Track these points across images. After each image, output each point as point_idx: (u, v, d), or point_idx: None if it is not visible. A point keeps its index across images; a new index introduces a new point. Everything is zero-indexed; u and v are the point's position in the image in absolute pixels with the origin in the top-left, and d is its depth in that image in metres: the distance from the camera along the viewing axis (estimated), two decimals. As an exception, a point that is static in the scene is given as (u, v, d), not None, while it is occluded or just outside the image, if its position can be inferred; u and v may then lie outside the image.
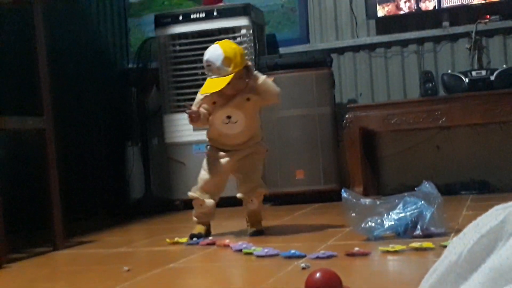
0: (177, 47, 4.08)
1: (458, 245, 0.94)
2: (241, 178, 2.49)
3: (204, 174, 2.49)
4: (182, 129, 4.02)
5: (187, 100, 4.04)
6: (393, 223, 2.08)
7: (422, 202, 2.11)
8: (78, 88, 3.98)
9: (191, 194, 2.49)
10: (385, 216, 2.09)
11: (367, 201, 2.12)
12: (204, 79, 3.97)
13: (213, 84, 2.34)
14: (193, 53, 4.02)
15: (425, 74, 3.78)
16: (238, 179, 2.54)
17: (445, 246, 1.87)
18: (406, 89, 4.03)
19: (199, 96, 2.49)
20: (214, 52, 2.34)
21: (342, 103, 4.10)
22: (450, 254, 0.95)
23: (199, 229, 2.46)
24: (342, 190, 2.13)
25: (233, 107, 2.40)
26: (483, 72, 3.57)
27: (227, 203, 3.14)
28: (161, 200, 4.21)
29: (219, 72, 2.33)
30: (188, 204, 4.02)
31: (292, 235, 2.43)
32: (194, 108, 2.42)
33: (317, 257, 1.87)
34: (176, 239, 2.45)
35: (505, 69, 3.60)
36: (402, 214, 2.08)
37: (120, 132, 4.40)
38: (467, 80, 3.57)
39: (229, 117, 2.41)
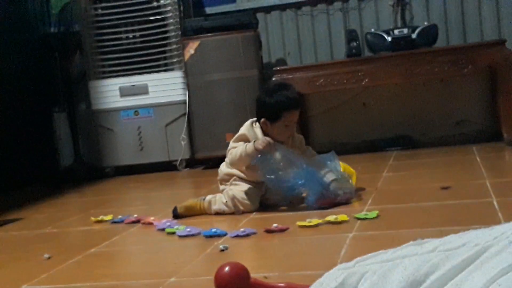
0: (99, 11, 3.97)
1: None
2: None
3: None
4: (109, 95, 3.96)
5: (112, 65, 3.98)
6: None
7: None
8: (-3, 55, 3.84)
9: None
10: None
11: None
12: (129, 43, 3.95)
13: None
14: (115, 16, 3.93)
15: (349, 33, 3.82)
16: None
17: (359, 218, 1.95)
18: (333, 48, 4.07)
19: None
20: None
21: (270, 63, 4.11)
22: None
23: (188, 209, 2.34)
24: None
25: None
26: (405, 31, 3.63)
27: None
28: (91, 167, 4.18)
29: None
30: (118, 171, 4.03)
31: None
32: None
33: (237, 235, 1.91)
34: (101, 217, 2.45)
35: (426, 26, 3.67)
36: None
37: (46, 99, 4.30)
38: (389, 38, 3.62)
39: None
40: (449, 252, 0.86)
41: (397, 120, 3.92)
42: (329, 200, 2.19)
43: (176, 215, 2.30)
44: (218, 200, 2.33)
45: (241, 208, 2.28)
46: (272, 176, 2.19)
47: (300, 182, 2.18)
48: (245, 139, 2.32)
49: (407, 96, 3.92)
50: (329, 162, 2.31)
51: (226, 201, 2.31)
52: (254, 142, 2.24)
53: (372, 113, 3.97)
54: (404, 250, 0.95)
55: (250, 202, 2.28)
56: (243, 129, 2.35)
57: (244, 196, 2.28)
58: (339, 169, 2.30)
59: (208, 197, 2.36)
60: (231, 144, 2.36)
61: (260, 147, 2.20)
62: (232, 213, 2.28)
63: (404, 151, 3.66)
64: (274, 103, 2.28)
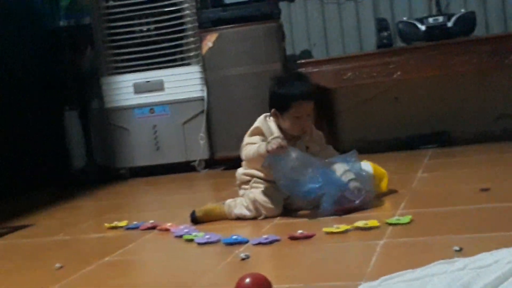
0: (111, 2, 4.01)
1: None
2: None
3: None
4: (122, 92, 4.01)
5: (125, 60, 4.02)
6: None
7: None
8: (4, 50, 3.90)
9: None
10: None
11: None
12: (143, 37, 3.99)
13: None
14: (128, 8, 3.97)
15: (379, 22, 3.80)
16: None
17: (390, 224, 1.95)
18: (361, 39, 4.06)
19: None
20: None
21: (294, 56, 4.12)
22: None
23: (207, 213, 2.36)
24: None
25: None
26: (440, 19, 3.61)
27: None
28: (105, 169, 4.22)
29: None
30: (133, 172, 4.07)
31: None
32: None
33: (259, 243, 1.92)
34: (115, 223, 2.48)
35: (464, 14, 3.63)
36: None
37: (55, 97, 4.35)
38: (423, 27, 3.60)
39: None
40: (480, 269, 0.86)
41: (432, 115, 3.90)
42: (345, 207, 2.18)
43: (195, 220, 2.32)
44: (238, 204, 2.35)
45: (264, 212, 2.29)
46: (285, 182, 2.19)
47: (316, 186, 2.17)
48: (260, 133, 2.35)
49: (443, 90, 3.90)
50: (350, 162, 2.29)
51: (247, 205, 2.32)
52: (267, 142, 2.25)
53: (405, 108, 3.96)
54: (433, 268, 0.95)
55: (273, 205, 2.29)
56: (257, 123, 2.38)
57: (266, 199, 2.29)
58: (359, 169, 2.28)
59: (228, 201, 2.38)
60: (246, 139, 2.37)
61: (271, 149, 2.20)
62: (254, 218, 2.30)
63: (440, 149, 3.64)
64: (284, 93, 2.33)
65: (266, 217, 2.28)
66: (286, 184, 2.22)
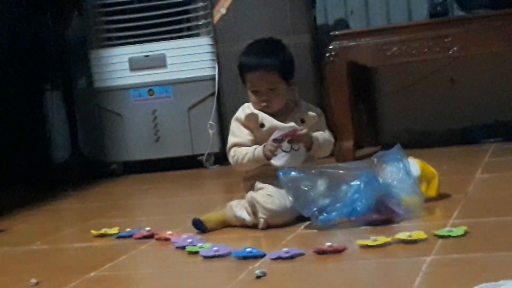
0: (103, -42, 4.03)
1: None
2: None
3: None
4: (115, 69, 4.03)
5: (119, 30, 4.04)
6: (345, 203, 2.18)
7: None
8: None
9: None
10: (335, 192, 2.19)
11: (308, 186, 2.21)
12: (141, 1, 4.00)
13: None
14: (124, -34, 3.99)
15: (433, -15, 3.79)
16: None
17: (439, 236, 1.95)
18: (410, 6, 4.04)
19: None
20: None
21: (327, 26, 4.11)
22: None
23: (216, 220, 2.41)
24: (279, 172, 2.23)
25: None
26: (510, -20, 3.58)
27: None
28: (93, 163, 4.26)
29: None
30: (127, 168, 4.10)
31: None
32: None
33: (279, 257, 1.93)
34: (104, 230, 2.50)
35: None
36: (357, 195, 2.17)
37: (35, 74, 4.38)
38: (487, -9, 3.59)
39: None
40: None
41: (496, 102, 3.89)
42: (384, 216, 2.18)
43: (199, 227, 2.34)
44: (241, 205, 2.38)
45: (263, 216, 2.29)
46: (315, 209, 2.19)
47: (326, 202, 2.18)
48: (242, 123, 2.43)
49: (511, 70, 3.87)
50: (395, 162, 2.28)
51: (247, 206, 2.35)
52: (264, 146, 2.32)
53: (463, 93, 3.94)
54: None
55: (275, 207, 2.28)
56: (237, 113, 2.48)
57: (267, 200, 2.30)
58: (409, 170, 2.28)
59: (233, 201, 2.42)
60: (231, 139, 2.44)
61: (269, 153, 2.30)
62: (255, 226, 2.30)
63: (505, 143, 3.62)
64: (239, 63, 2.46)
65: (268, 226, 2.28)
66: (318, 218, 2.21)
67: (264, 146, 2.33)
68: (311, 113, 2.45)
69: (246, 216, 2.34)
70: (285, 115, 2.42)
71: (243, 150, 2.38)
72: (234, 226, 2.37)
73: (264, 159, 2.33)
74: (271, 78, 2.39)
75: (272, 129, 2.35)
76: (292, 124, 2.36)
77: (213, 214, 2.40)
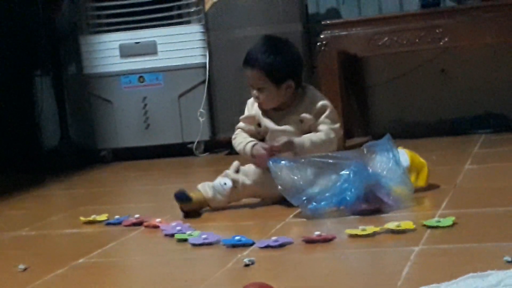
0: None
1: None
2: None
3: None
4: (106, 55, 4.02)
5: (110, 16, 4.03)
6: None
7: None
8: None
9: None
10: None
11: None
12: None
13: None
14: (115, -49, 3.97)
15: (425, -25, 3.79)
16: None
17: (428, 226, 1.96)
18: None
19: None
20: None
21: (318, 15, 4.11)
22: None
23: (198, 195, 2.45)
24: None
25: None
26: (502, -29, 3.59)
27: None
28: (82, 150, 4.25)
29: None
30: (117, 155, 4.09)
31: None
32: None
33: (268, 246, 1.94)
34: (92, 216, 2.50)
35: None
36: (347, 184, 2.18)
37: (24, 59, 4.37)
38: (479, -18, 3.59)
39: None
40: None
41: (486, 93, 3.89)
42: (373, 205, 2.19)
43: (182, 198, 2.39)
44: (222, 175, 2.45)
45: (246, 180, 2.39)
46: (304, 198, 2.21)
47: (316, 191, 2.21)
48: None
49: (502, 62, 3.88)
50: (385, 152, 2.29)
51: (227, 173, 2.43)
52: (254, 144, 2.41)
53: (454, 84, 3.95)
54: (462, 283, 0.95)
55: (253, 183, 2.40)
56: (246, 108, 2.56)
57: (257, 171, 2.41)
58: (399, 160, 2.28)
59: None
60: (240, 120, 2.54)
61: (255, 153, 2.40)
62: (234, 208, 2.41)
63: (495, 134, 3.63)
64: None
65: (243, 201, 2.43)
66: (307, 208, 2.24)
67: (254, 145, 2.41)
68: (306, 115, 2.43)
69: (227, 181, 2.41)
70: (283, 114, 2.46)
71: (241, 138, 2.48)
72: (212, 208, 2.44)
73: (250, 156, 2.43)
74: (257, 78, 2.42)
75: (268, 130, 2.46)
76: (280, 138, 2.39)
77: (193, 193, 2.43)
